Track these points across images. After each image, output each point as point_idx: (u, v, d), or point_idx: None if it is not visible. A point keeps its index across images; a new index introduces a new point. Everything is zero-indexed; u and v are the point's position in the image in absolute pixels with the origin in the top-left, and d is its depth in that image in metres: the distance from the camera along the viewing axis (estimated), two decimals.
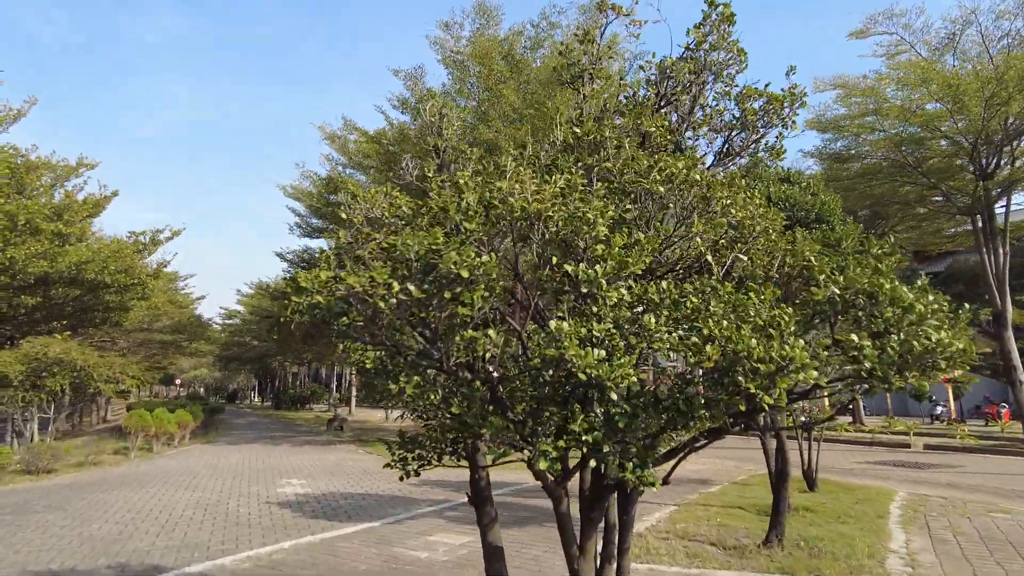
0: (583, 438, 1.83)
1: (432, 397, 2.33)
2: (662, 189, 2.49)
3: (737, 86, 3.98)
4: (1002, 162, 18.77)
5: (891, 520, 8.74)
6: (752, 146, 3.92)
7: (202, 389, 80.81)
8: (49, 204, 14.06)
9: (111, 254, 15.00)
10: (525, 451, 2.05)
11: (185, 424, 17.59)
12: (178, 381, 67.57)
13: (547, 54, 16.36)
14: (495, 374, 2.16)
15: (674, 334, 1.89)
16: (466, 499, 3.52)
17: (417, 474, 2.88)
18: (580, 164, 3.06)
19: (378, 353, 2.55)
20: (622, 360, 1.78)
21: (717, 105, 4.05)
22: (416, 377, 2.23)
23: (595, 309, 1.92)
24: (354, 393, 39.88)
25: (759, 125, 3.84)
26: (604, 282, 1.93)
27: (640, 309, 1.98)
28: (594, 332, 1.85)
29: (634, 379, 1.82)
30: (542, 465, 1.91)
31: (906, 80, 19.11)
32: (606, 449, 1.85)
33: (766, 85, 4.01)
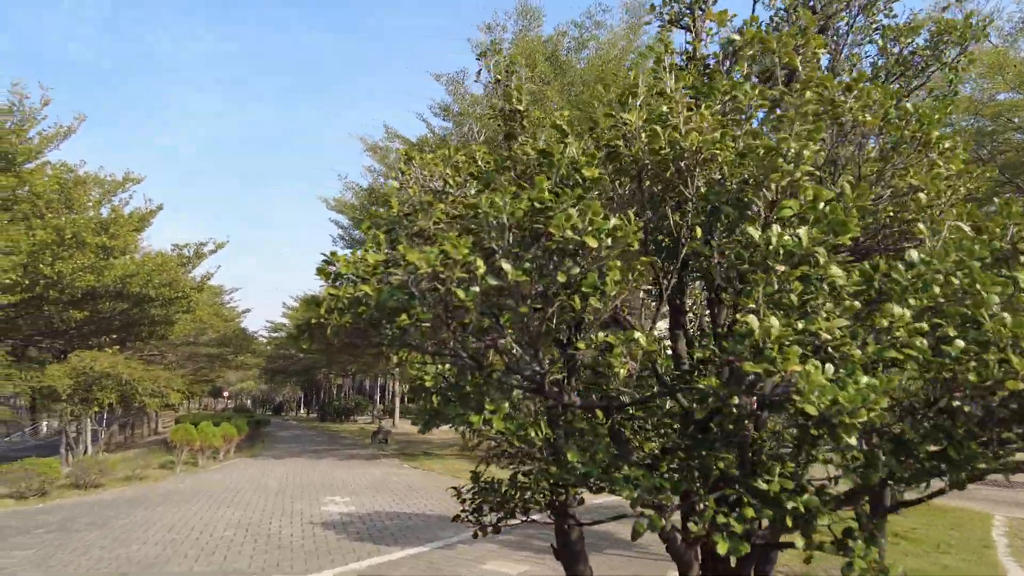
0: (788, 505, 1.17)
1: (533, 434, 1.66)
2: (868, 118, 1.77)
3: (895, 15, 3.25)
4: None
5: (1000, 551, 7.77)
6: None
7: (249, 401, 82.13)
8: (96, 218, 14.06)
9: (155, 267, 14.92)
10: (663, 513, 1.37)
11: (230, 438, 17.41)
12: (226, 393, 68.72)
13: (591, 56, 15.76)
14: (625, 399, 1.51)
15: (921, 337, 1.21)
16: (521, 521, 2.73)
17: (496, 531, 2.27)
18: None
19: (443, 367, 1.96)
20: (861, 380, 1.11)
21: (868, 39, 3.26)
22: (505, 404, 1.56)
23: (806, 299, 1.24)
24: (398, 405, 39.66)
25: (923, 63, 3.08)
26: (821, 253, 1.25)
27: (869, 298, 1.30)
28: (821, 333, 1.18)
29: (879, 411, 1.14)
30: (721, 548, 1.24)
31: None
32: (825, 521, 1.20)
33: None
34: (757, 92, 1.76)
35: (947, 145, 1.86)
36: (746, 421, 1.31)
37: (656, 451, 1.51)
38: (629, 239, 1.27)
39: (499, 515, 2.24)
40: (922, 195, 1.73)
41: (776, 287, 1.26)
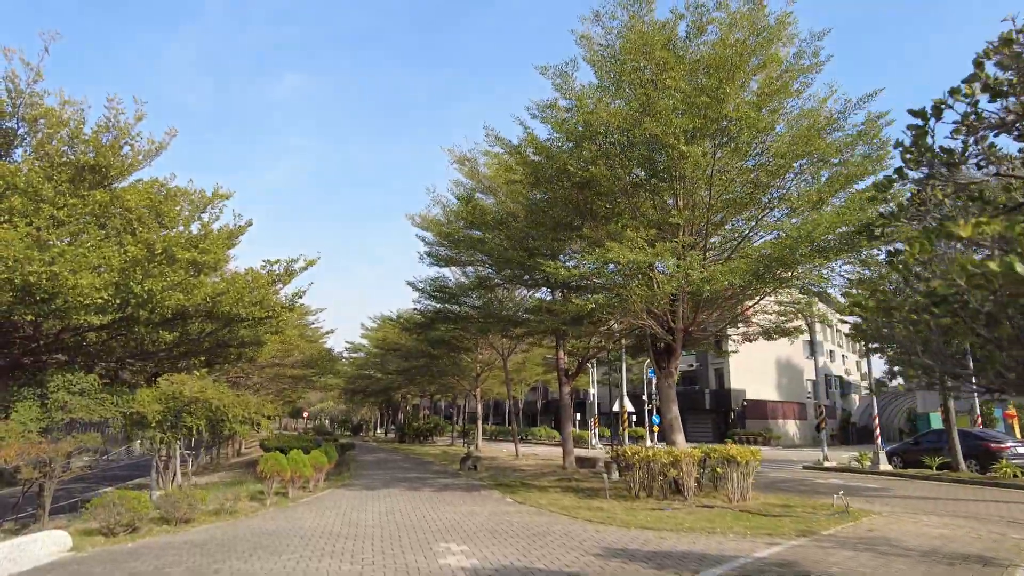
0: None
1: None
2: None
3: None
4: None
5: None
6: None
7: (327, 421, 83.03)
8: (186, 233, 13.36)
9: (245, 285, 14.08)
10: None
11: (321, 466, 16.38)
12: (305, 414, 69.50)
13: (711, 40, 14.03)
14: None
15: None
16: None
17: None
18: None
19: None
20: None
21: None
22: None
23: None
24: (480, 426, 38.27)
25: None
26: None
27: None
28: None
29: None
30: None
31: None
32: None
33: None
34: None
35: None
36: None
37: None
38: None
39: None
40: None
41: None
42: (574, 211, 14.81)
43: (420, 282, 25.67)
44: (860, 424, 60.66)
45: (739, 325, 17.16)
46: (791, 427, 57.92)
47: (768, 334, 18.23)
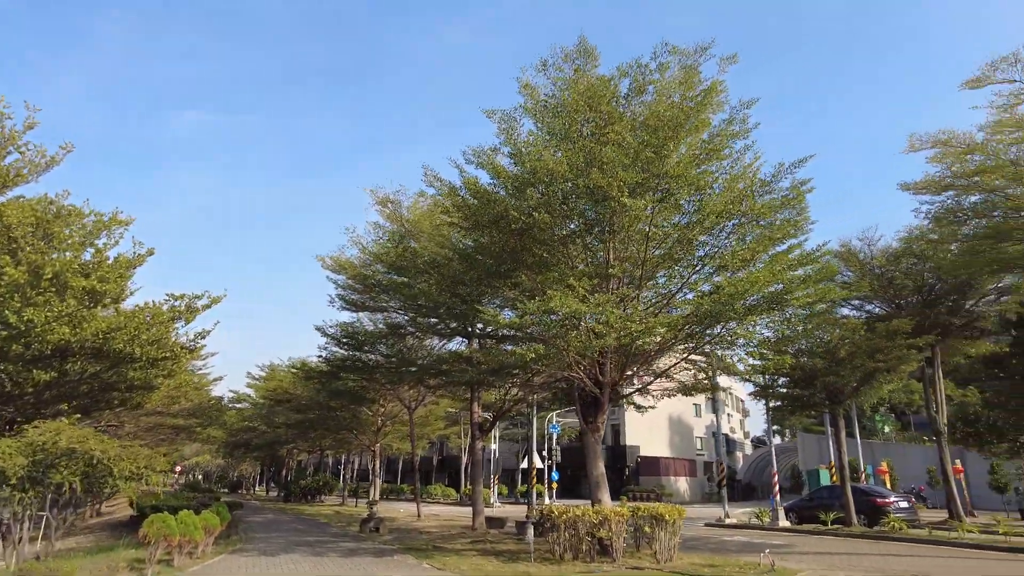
0: None
1: None
2: None
3: None
4: None
5: None
6: None
7: (201, 477, 75.91)
8: (77, 261, 11.66)
9: (143, 321, 12.45)
10: None
11: (212, 529, 14.49)
12: (179, 468, 63.23)
13: (648, 101, 14.45)
14: None
15: None
16: None
17: None
18: None
19: None
20: None
21: None
22: None
23: None
24: (379, 484, 36.21)
25: None
26: None
27: None
28: None
29: None
30: None
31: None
32: None
33: None
34: None
35: None
36: None
37: None
38: None
39: None
40: None
41: None
42: (511, 258, 14.45)
43: (330, 327, 24.23)
44: (744, 481, 63.28)
45: (661, 380, 17.24)
46: (682, 484, 59.37)
47: (686, 390, 18.47)
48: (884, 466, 36.21)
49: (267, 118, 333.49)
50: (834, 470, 33.38)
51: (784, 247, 14.54)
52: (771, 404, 26.76)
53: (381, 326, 25.00)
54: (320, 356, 25.67)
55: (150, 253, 14.01)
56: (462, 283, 15.46)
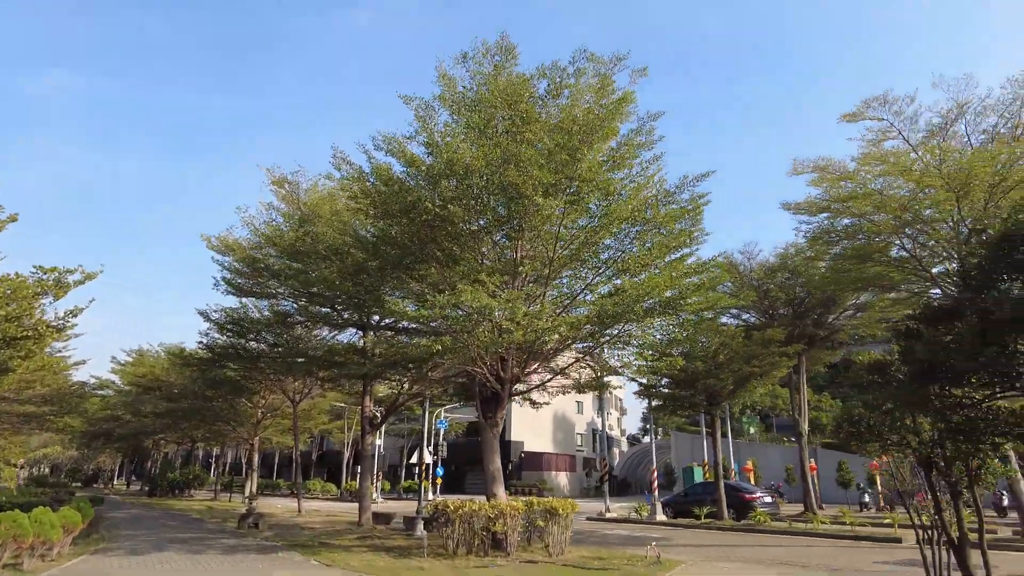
0: None
1: None
2: None
3: None
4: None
5: None
6: None
7: (49, 470, 68.77)
8: None
9: (1, 295, 11.07)
10: None
11: (72, 528, 13.15)
12: (21, 461, 56.97)
13: (564, 105, 14.67)
14: None
15: None
16: None
17: None
18: None
19: None
20: None
21: None
22: None
23: None
24: (255, 479, 34.45)
25: None
26: None
27: None
28: None
29: None
30: None
31: (887, 171, 19.14)
32: None
33: None
34: None
35: None
36: None
37: None
38: None
39: None
40: None
41: None
42: (419, 250, 14.18)
43: (215, 312, 22.67)
44: (620, 476, 66.08)
45: (559, 377, 17.60)
46: (563, 479, 61.04)
47: (580, 388, 18.99)
48: (749, 464, 39.02)
49: (146, 86, 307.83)
50: (707, 467, 35.60)
51: (678, 255, 15.33)
52: (653, 403, 28.07)
53: (267, 313, 23.74)
54: (201, 342, 24.03)
55: (12, 219, 12.47)
56: (365, 272, 14.99)
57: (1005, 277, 5.15)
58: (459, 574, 11.81)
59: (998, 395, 5.49)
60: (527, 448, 58.31)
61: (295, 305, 22.90)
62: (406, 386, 20.95)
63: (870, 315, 27.22)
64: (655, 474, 29.26)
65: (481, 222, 13.79)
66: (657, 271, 14.03)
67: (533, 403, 19.43)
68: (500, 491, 15.51)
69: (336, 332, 24.88)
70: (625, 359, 14.80)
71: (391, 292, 16.42)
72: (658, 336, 13.56)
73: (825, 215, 21.62)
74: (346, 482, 48.65)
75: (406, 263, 15.09)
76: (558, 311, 14.15)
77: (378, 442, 44.91)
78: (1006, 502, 27.17)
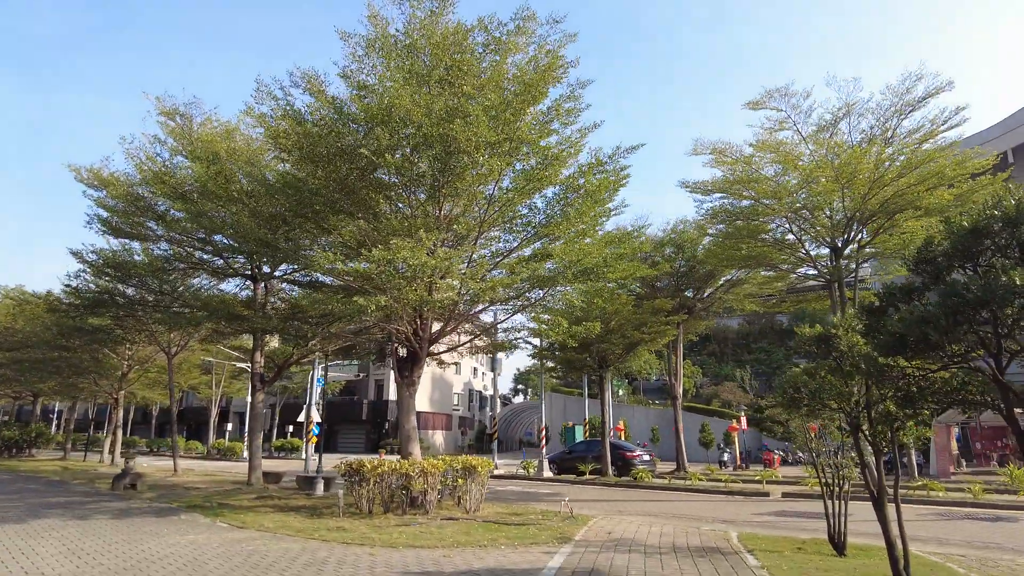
0: None
1: None
2: None
3: None
4: (851, 237, 21.15)
5: None
6: None
7: None
8: None
9: None
10: None
11: None
12: None
13: (497, 61, 14.40)
14: None
15: None
16: None
17: None
18: None
19: None
20: None
21: None
22: None
23: None
24: (120, 436, 31.69)
25: None
26: None
27: None
28: None
29: None
30: None
31: (778, 159, 20.77)
32: None
33: None
34: None
35: None
36: None
37: None
38: None
39: None
40: None
41: None
42: (345, 199, 13.46)
43: (91, 252, 20.17)
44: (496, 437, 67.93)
45: (476, 338, 17.67)
46: (439, 437, 61.75)
47: (486, 349, 19.19)
48: (621, 424, 41.50)
49: None
50: (588, 427, 37.48)
51: (600, 223, 15.80)
52: (548, 365, 29.00)
53: (140, 257, 21.57)
54: (68, 286, 21.36)
55: None
56: (281, 219, 14.01)
57: (965, 265, 5.83)
58: (382, 533, 11.65)
59: (942, 368, 6.27)
60: None
61: (180, 250, 21.04)
62: (309, 343, 20.04)
63: (742, 290, 29.62)
64: (545, 431, 30.39)
65: (413, 175, 13.30)
66: (588, 240, 14.37)
67: (441, 363, 19.38)
68: (416, 449, 15.46)
69: (216, 282, 23.23)
70: (544, 322, 15.06)
71: (308, 243, 15.55)
72: (579, 302, 13.92)
73: (720, 195, 23.13)
74: (213, 440, 46.09)
75: (323, 213, 14.32)
76: (487, 272, 14.12)
77: (249, 399, 42.78)
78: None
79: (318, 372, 25.81)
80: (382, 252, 11.62)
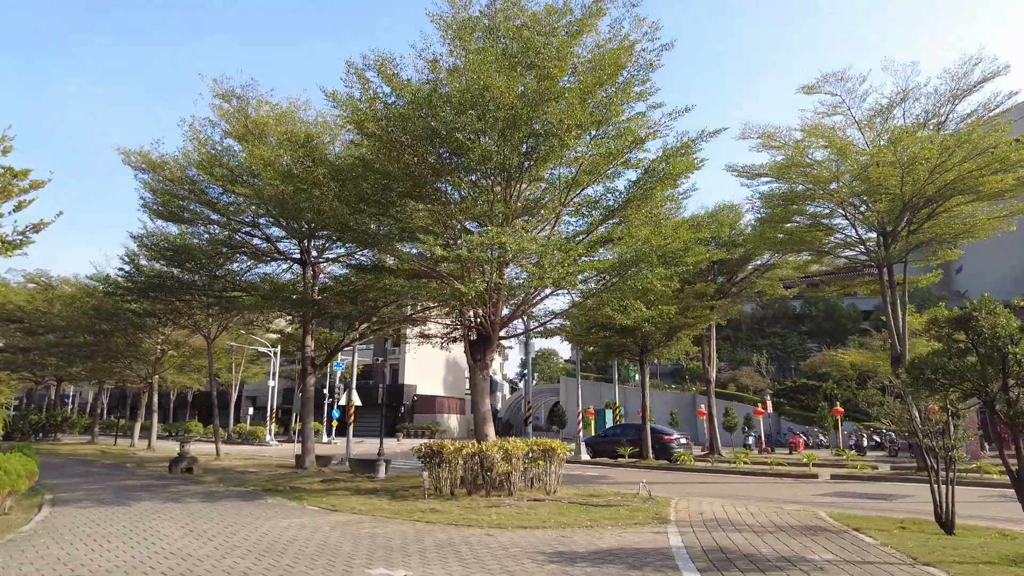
0: None
1: None
2: None
3: None
4: (906, 221, 21.11)
5: None
6: None
7: None
8: None
9: None
10: None
11: (32, 476, 11.46)
12: None
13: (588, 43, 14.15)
14: None
15: None
16: None
17: None
18: None
19: None
20: None
21: None
22: None
23: None
24: (156, 422, 31.68)
25: None
26: None
27: None
28: None
29: None
30: None
31: (829, 146, 20.73)
32: None
33: None
34: None
35: None
36: None
37: None
38: None
39: None
40: None
41: None
42: (424, 184, 13.39)
43: (149, 236, 20.01)
44: (504, 419, 68.27)
45: (540, 324, 17.73)
46: (453, 421, 62.02)
47: (547, 333, 19.26)
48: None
49: None
50: (618, 411, 37.70)
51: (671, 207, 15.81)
52: (589, 349, 29.12)
53: (196, 241, 21.46)
54: (122, 270, 21.22)
55: None
56: (365, 202, 13.90)
57: None
58: (479, 514, 11.71)
59: None
60: (420, 391, 58.39)
61: (229, 234, 20.96)
62: (361, 327, 20.01)
63: (774, 274, 29.69)
64: (580, 414, 30.59)
65: (501, 158, 13.22)
66: (667, 223, 14.36)
67: (500, 348, 19.37)
68: (491, 431, 15.52)
69: (258, 265, 23.15)
70: (622, 305, 15.03)
71: (375, 228, 15.48)
72: (660, 285, 13.94)
73: (767, 180, 23.11)
74: (233, 424, 46.13)
75: (395, 198, 14.25)
76: (578, 257, 14.10)
77: (272, 383, 42.84)
78: None
79: (355, 356, 25.84)
80: (479, 237, 11.60)
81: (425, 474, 14.03)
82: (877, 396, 16.57)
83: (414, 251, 14.42)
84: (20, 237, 10.47)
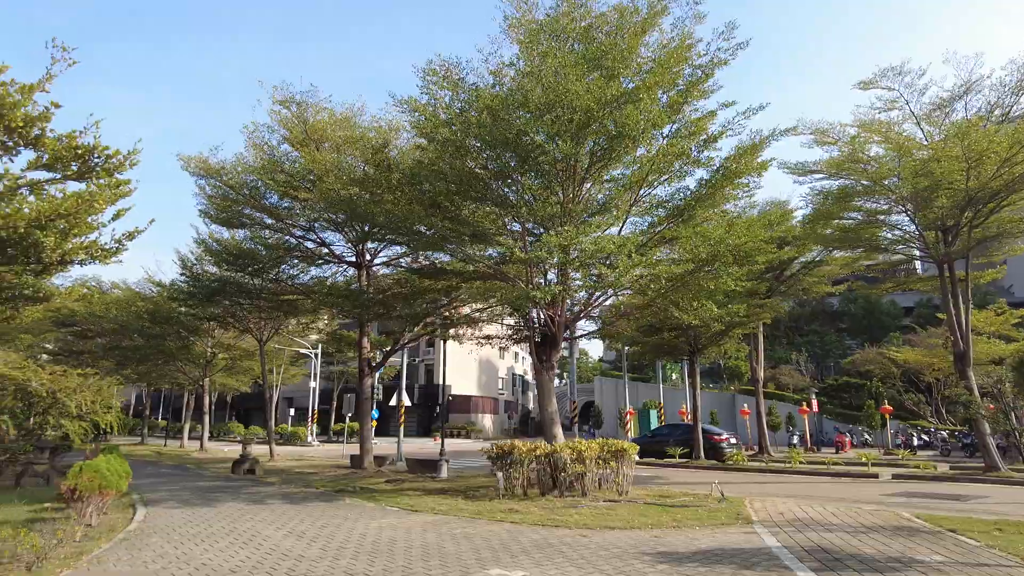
0: None
1: None
2: None
3: None
4: (969, 217, 20.60)
5: None
6: None
7: None
8: None
9: (75, 203, 9.30)
10: None
11: (128, 475, 11.76)
12: None
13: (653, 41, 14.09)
14: None
15: None
16: None
17: None
18: None
19: None
20: None
21: None
22: None
23: None
24: (207, 424, 32.27)
25: None
26: None
27: None
28: None
29: None
30: None
31: (886, 142, 20.38)
32: None
33: None
34: None
35: None
36: None
37: None
38: None
39: None
40: None
41: None
42: (501, 186, 13.48)
43: (215, 243, 20.42)
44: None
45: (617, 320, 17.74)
46: (487, 420, 62.19)
47: (605, 336, 19.21)
48: (684, 408, 41.49)
49: None
50: (663, 411, 37.51)
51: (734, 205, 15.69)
52: (632, 349, 29.02)
53: (252, 245, 21.80)
54: (183, 274, 21.71)
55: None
56: (437, 206, 14.03)
57: None
58: (562, 515, 11.74)
59: None
60: (455, 391, 58.62)
61: (285, 238, 21.27)
62: (415, 328, 20.18)
63: (820, 272, 29.28)
64: (629, 416, 30.48)
65: (575, 160, 13.25)
66: (738, 222, 14.27)
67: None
68: (559, 432, 15.56)
69: (306, 268, 23.44)
70: (696, 304, 14.93)
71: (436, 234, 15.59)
72: (734, 284, 13.84)
73: (818, 175, 22.80)
74: (277, 425, 46.77)
75: (461, 202, 14.34)
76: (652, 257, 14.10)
77: (313, 384, 43.37)
78: None
79: (404, 357, 26.00)
80: (556, 237, 11.64)
81: (500, 475, 14.10)
82: (964, 395, 16.25)
83: (487, 253, 14.47)
84: (117, 244, 10.74)
